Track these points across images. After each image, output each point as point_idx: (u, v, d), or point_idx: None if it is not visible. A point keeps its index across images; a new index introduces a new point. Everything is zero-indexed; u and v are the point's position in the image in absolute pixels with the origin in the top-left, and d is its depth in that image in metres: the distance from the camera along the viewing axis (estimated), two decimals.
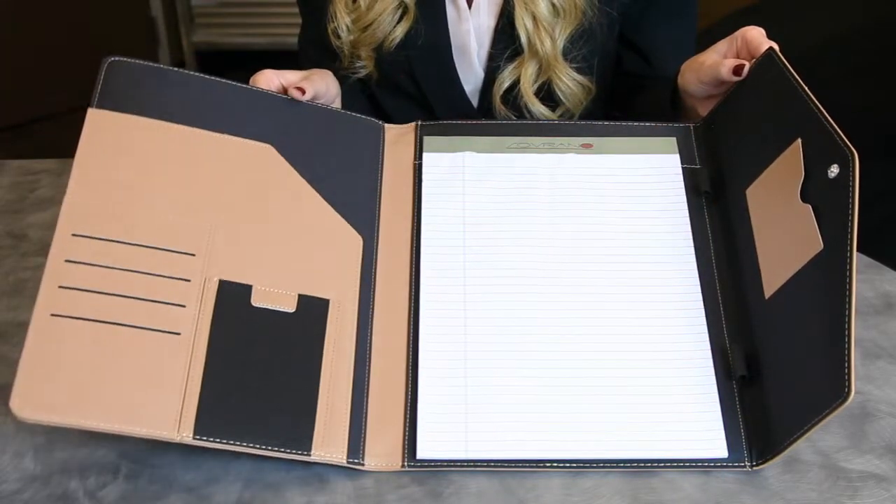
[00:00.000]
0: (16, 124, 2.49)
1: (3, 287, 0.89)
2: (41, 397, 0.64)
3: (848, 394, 0.62)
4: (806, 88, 0.75)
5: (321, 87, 0.87)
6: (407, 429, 0.71)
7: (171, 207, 0.74)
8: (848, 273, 0.64)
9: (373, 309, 0.77)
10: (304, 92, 0.83)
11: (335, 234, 0.79)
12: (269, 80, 0.84)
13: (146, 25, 2.62)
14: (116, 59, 0.78)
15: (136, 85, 0.78)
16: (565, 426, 0.71)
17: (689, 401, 0.72)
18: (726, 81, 0.84)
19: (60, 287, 0.67)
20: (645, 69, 1.04)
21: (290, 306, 0.73)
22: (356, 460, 0.70)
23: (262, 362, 0.70)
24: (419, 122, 0.88)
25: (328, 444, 0.69)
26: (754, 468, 0.70)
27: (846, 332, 0.63)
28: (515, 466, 0.70)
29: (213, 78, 0.81)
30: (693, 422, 0.71)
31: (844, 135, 0.68)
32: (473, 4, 0.99)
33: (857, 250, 0.65)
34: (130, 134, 0.75)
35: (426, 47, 0.99)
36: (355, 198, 0.81)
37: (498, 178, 0.84)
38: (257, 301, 0.73)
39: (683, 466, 0.70)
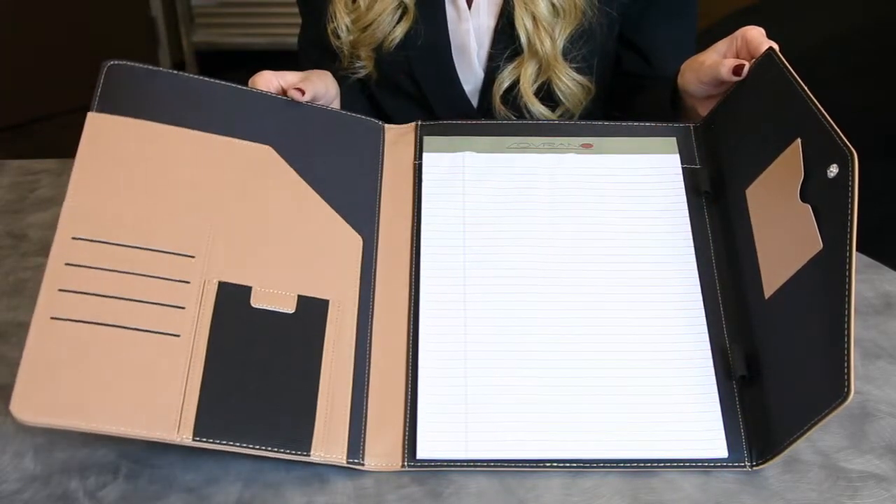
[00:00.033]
0: (16, 124, 2.49)
1: (3, 287, 0.89)
2: (41, 400, 0.64)
3: (847, 394, 0.62)
4: (805, 88, 0.75)
5: (320, 88, 0.87)
6: (407, 429, 0.71)
7: (171, 210, 0.74)
8: (847, 273, 0.64)
9: (373, 309, 0.77)
10: (303, 93, 0.83)
11: (335, 235, 0.79)
12: (268, 81, 0.84)
13: (146, 25, 2.62)
14: (116, 62, 0.78)
15: (136, 88, 0.78)
16: (565, 426, 0.71)
17: (689, 401, 0.72)
18: (726, 81, 0.84)
19: (60, 290, 0.68)
20: (645, 69, 1.04)
21: (289, 307, 0.73)
22: (356, 460, 0.70)
23: (261, 363, 0.70)
24: (419, 122, 0.88)
25: (328, 445, 0.69)
26: (754, 468, 0.70)
27: (846, 332, 0.63)
28: (515, 466, 0.70)
29: (212, 80, 0.81)
30: (693, 422, 0.71)
31: (844, 135, 0.68)
32: (473, 4, 0.99)
33: (857, 250, 0.65)
34: (130, 137, 0.76)
35: (426, 47, 0.99)
36: (355, 198, 0.82)
37: (498, 178, 0.84)
38: (257, 302, 0.73)
39: (683, 466, 0.70)
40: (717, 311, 0.77)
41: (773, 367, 0.71)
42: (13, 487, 0.69)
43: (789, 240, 0.71)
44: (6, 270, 0.91)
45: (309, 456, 0.68)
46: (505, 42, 0.99)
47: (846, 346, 0.63)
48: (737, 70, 0.83)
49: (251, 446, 0.67)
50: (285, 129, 0.81)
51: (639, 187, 0.83)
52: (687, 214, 0.82)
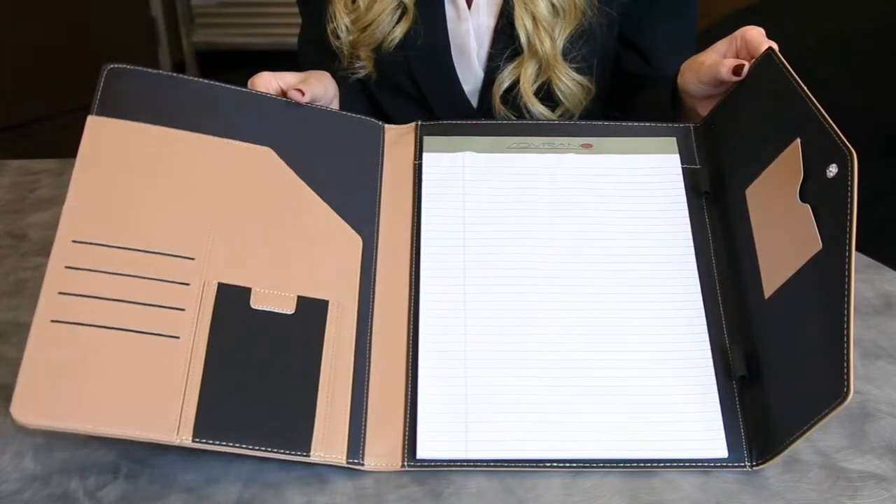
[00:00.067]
0: (16, 124, 2.49)
1: (3, 287, 0.89)
2: (42, 403, 0.64)
3: (847, 393, 0.62)
4: (805, 88, 0.75)
5: (319, 89, 0.87)
6: (407, 429, 0.71)
7: (171, 212, 0.74)
8: (847, 272, 0.64)
9: (372, 309, 0.77)
10: (303, 94, 0.83)
11: (335, 236, 0.79)
12: (267, 82, 0.84)
13: (146, 25, 2.62)
14: (116, 66, 0.79)
15: (136, 91, 0.78)
16: (565, 426, 0.71)
17: (689, 401, 0.72)
18: (726, 81, 0.84)
19: (60, 293, 0.68)
20: (645, 69, 1.04)
21: (289, 308, 0.73)
22: (356, 460, 0.70)
23: (261, 364, 0.70)
24: (419, 123, 0.88)
25: (328, 445, 0.69)
26: (754, 468, 0.70)
27: (845, 332, 0.63)
28: (515, 466, 0.70)
29: (211, 82, 0.82)
30: (693, 422, 0.71)
31: (844, 135, 0.68)
32: (473, 4, 0.99)
33: (857, 250, 0.65)
34: (130, 140, 0.76)
35: (425, 47, 0.99)
36: (355, 198, 0.82)
37: (498, 178, 0.84)
38: (256, 303, 0.73)
39: (683, 466, 0.70)
40: (717, 311, 0.77)
41: (773, 367, 0.71)
42: (13, 487, 0.69)
43: (789, 240, 0.71)
44: (6, 270, 0.91)
45: (308, 456, 0.68)
46: (505, 42, 0.99)
47: (846, 346, 0.63)
48: (736, 70, 0.83)
49: (251, 447, 0.67)
50: (285, 131, 0.81)
51: (639, 187, 0.83)
52: (687, 214, 0.82)
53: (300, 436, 0.69)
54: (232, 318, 0.71)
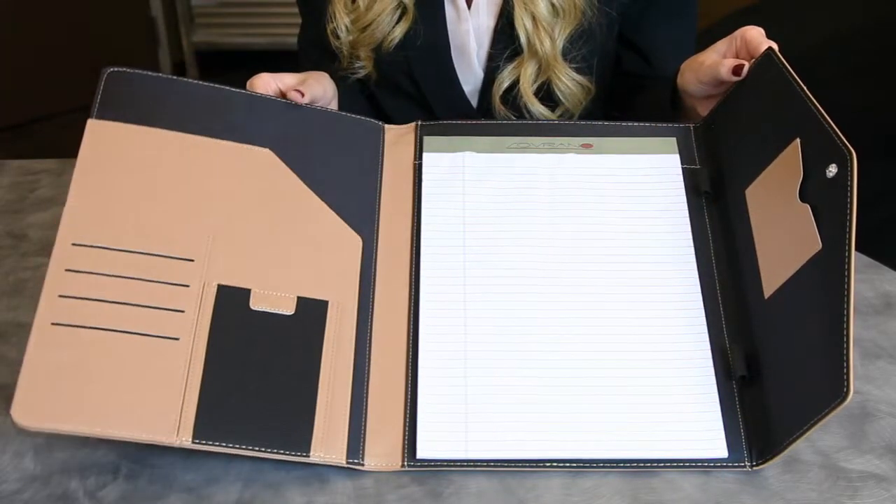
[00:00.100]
0: (16, 124, 2.49)
1: (3, 287, 0.89)
2: (43, 406, 0.65)
3: (847, 393, 0.62)
4: (805, 88, 0.75)
5: (318, 90, 0.87)
6: (407, 429, 0.71)
7: (170, 214, 0.74)
8: (847, 272, 0.64)
9: (372, 309, 0.77)
10: (303, 94, 0.83)
11: (334, 236, 0.79)
12: (266, 83, 0.84)
13: (146, 25, 2.62)
14: (115, 69, 0.79)
15: (135, 94, 0.79)
16: (565, 426, 0.71)
17: (689, 401, 0.72)
18: (726, 81, 0.84)
19: (60, 296, 0.68)
20: (645, 69, 1.04)
21: (288, 309, 0.73)
22: (356, 461, 0.70)
23: (260, 365, 0.70)
24: (419, 123, 0.88)
25: (327, 445, 0.69)
26: (754, 468, 0.70)
27: (845, 332, 0.63)
28: (515, 466, 0.70)
29: (210, 84, 0.82)
30: (693, 422, 0.71)
31: (844, 135, 0.68)
32: (473, 4, 0.99)
33: (857, 250, 0.65)
34: (130, 143, 0.76)
35: (425, 47, 0.99)
36: (355, 199, 0.82)
37: (498, 178, 0.84)
38: (256, 304, 0.73)
39: (683, 466, 0.70)
40: (717, 311, 0.77)
41: (772, 367, 0.71)
42: (13, 487, 0.69)
43: (789, 240, 0.71)
44: (6, 270, 0.91)
45: (308, 457, 0.68)
46: (504, 42, 0.99)
47: (846, 346, 0.63)
48: (736, 70, 0.83)
49: (250, 448, 0.67)
50: (284, 132, 0.82)
51: (639, 187, 0.83)
52: (687, 214, 0.82)
53: (300, 436, 0.69)
54: (232, 320, 0.71)
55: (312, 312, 0.74)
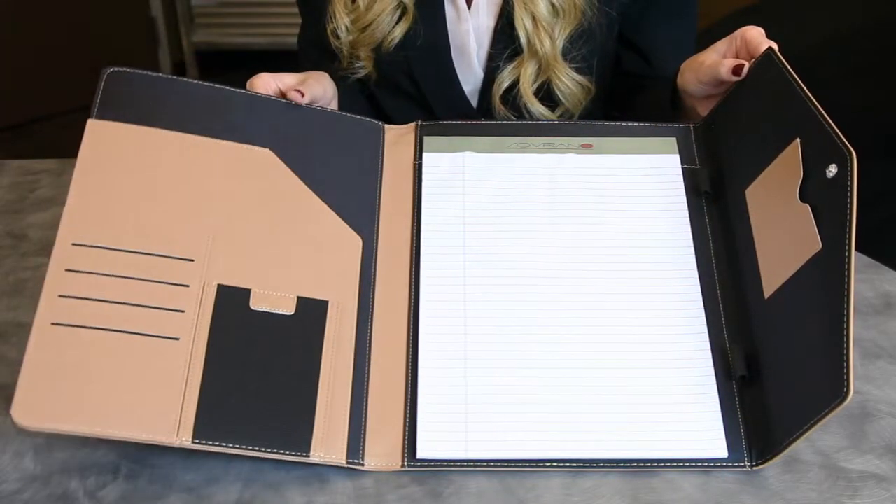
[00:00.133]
0: (16, 124, 2.49)
1: (3, 287, 0.89)
2: (42, 406, 0.65)
3: (847, 393, 0.62)
4: (805, 88, 0.75)
5: (318, 90, 0.87)
6: (407, 429, 0.71)
7: (170, 214, 0.74)
8: (847, 272, 0.64)
9: (372, 309, 0.77)
10: (303, 95, 0.83)
11: (334, 236, 0.79)
12: (266, 83, 0.84)
13: (146, 25, 2.62)
14: (115, 69, 0.79)
15: (135, 94, 0.79)
16: (565, 426, 0.71)
17: (689, 401, 0.72)
18: (726, 81, 0.84)
19: (60, 296, 0.68)
20: (645, 69, 1.04)
21: (288, 309, 0.73)
22: (356, 461, 0.70)
23: (260, 365, 0.70)
24: (419, 123, 0.88)
25: (327, 445, 0.69)
26: (754, 468, 0.70)
27: (845, 332, 0.63)
28: (515, 466, 0.70)
29: (210, 84, 0.82)
30: (693, 422, 0.71)
31: (844, 135, 0.68)
32: (473, 5, 0.99)
33: (857, 250, 0.65)
34: (130, 143, 0.76)
35: (425, 48, 0.99)
36: (355, 199, 0.82)
37: (498, 178, 0.84)
38: (256, 304, 0.73)
39: (683, 466, 0.70)
40: (717, 311, 0.77)
41: (772, 367, 0.71)
42: (13, 487, 0.69)
43: (789, 240, 0.71)
44: (6, 270, 0.91)
45: (308, 457, 0.68)
46: (504, 42, 0.99)
47: (846, 346, 0.63)
48: (736, 70, 0.83)
49: (250, 448, 0.67)
50: (284, 132, 0.82)
51: (639, 187, 0.83)
52: (687, 214, 0.82)
53: (300, 436, 0.69)
54: (231, 320, 0.71)
55: (312, 312, 0.74)
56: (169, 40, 2.67)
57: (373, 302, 0.77)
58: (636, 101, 1.04)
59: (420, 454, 0.70)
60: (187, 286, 0.72)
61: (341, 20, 0.98)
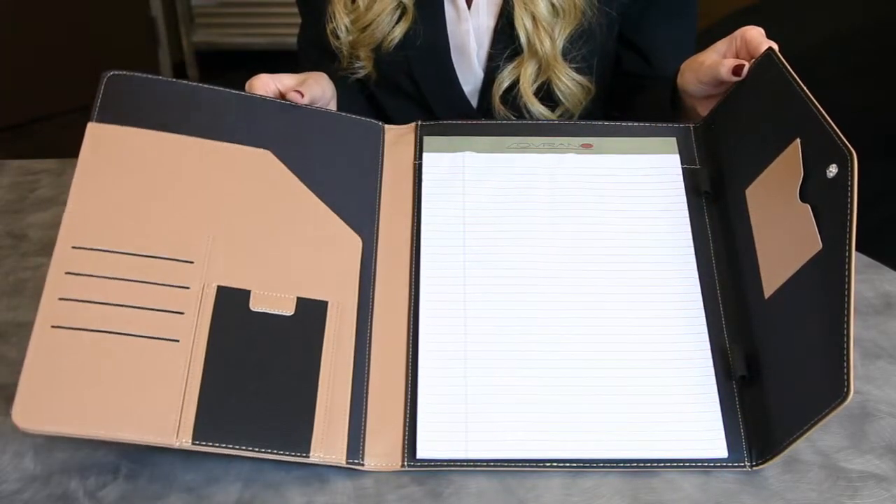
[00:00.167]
0: (16, 124, 2.49)
1: (3, 287, 0.89)
2: (43, 409, 0.65)
3: (847, 393, 0.62)
4: (805, 88, 0.75)
5: (317, 91, 0.87)
6: (407, 429, 0.71)
7: (170, 216, 0.74)
8: (847, 272, 0.64)
9: (372, 309, 0.77)
10: (303, 95, 0.83)
11: (334, 237, 0.79)
12: (265, 84, 0.84)
13: (146, 25, 2.62)
14: (115, 72, 0.79)
15: (135, 97, 0.79)
16: (565, 426, 0.71)
17: (689, 401, 0.72)
18: (726, 81, 0.84)
19: (60, 299, 0.68)
20: (645, 69, 1.04)
21: (288, 309, 0.73)
22: (356, 461, 0.70)
23: (260, 366, 0.70)
24: (419, 123, 0.88)
25: (327, 446, 0.69)
26: (754, 468, 0.70)
27: (845, 332, 0.63)
28: (515, 466, 0.70)
29: (210, 87, 0.82)
30: (693, 422, 0.71)
31: (844, 135, 0.68)
32: (473, 4, 0.99)
33: (857, 250, 0.65)
34: (130, 146, 0.76)
35: (425, 48, 0.99)
36: (355, 199, 0.82)
37: (498, 178, 0.84)
38: (256, 305, 0.73)
39: (683, 466, 0.70)
40: (717, 311, 0.77)
41: (773, 367, 0.71)
42: (13, 487, 0.69)
43: (789, 240, 0.71)
44: (6, 270, 0.91)
45: (308, 457, 0.68)
46: (504, 42, 0.99)
47: (846, 346, 0.63)
48: (736, 70, 0.83)
49: (250, 449, 0.67)
50: (284, 133, 0.82)
51: (639, 187, 0.83)
52: (687, 214, 0.82)
53: (300, 437, 0.69)
54: (231, 321, 0.71)
55: (312, 313, 0.74)
56: (169, 40, 2.67)
57: (373, 302, 0.77)
58: (636, 101, 1.04)
59: (420, 454, 0.70)
60: (187, 288, 0.72)
61: (341, 20, 0.98)
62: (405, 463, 0.70)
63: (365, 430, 0.71)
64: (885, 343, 0.82)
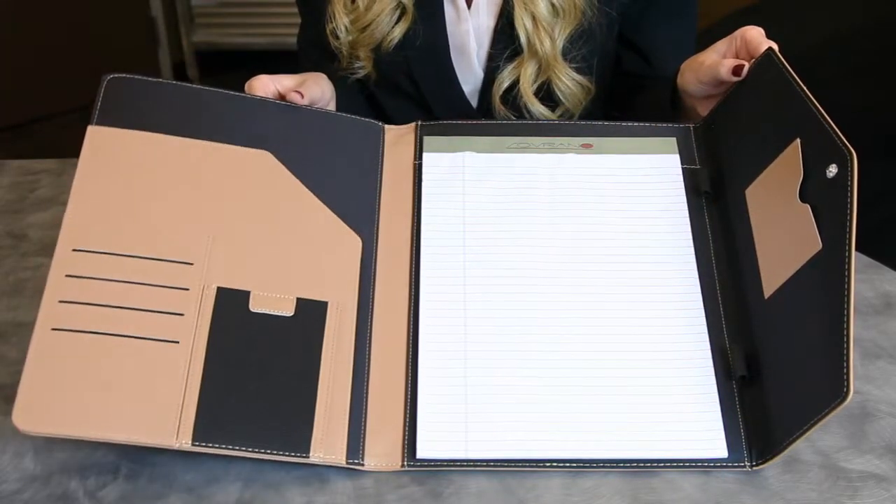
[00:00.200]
0: (16, 124, 2.49)
1: (3, 287, 0.89)
2: (44, 411, 0.65)
3: (847, 393, 0.62)
4: (805, 88, 0.75)
5: (316, 92, 0.87)
6: (407, 428, 0.71)
7: (170, 218, 0.74)
8: (847, 273, 0.64)
9: (372, 309, 0.77)
10: (303, 96, 0.83)
11: (334, 237, 0.79)
12: (264, 86, 0.85)
13: (146, 25, 2.62)
14: (115, 75, 0.79)
15: (135, 100, 0.79)
16: (565, 426, 0.71)
17: (689, 401, 0.72)
18: (725, 81, 0.84)
19: (61, 302, 0.68)
20: (645, 69, 1.04)
21: (288, 310, 0.73)
22: (356, 461, 0.70)
23: (260, 367, 0.70)
24: (419, 123, 0.88)
25: (327, 446, 0.69)
26: (754, 468, 0.70)
27: (845, 332, 0.63)
28: (515, 466, 0.70)
29: (210, 89, 0.82)
30: (693, 422, 0.71)
31: (844, 135, 0.68)
32: (473, 4, 0.99)
33: (857, 250, 0.65)
34: (130, 148, 0.76)
35: (424, 48, 0.99)
36: (355, 199, 0.82)
37: (498, 178, 0.84)
38: (255, 306, 0.73)
39: (683, 466, 0.70)
40: (717, 311, 0.77)
41: (772, 367, 0.71)
42: (13, 487, 0.69)
43: (789, 240, 0.71)
44: (6, 270, 0.91)
45: (308, 458, 0.68)
46: (504, 42, 0.99)
47: (846, 346, 0.63)
48: (736, 70, 0.83)
49: (250, 450, 0.67)
50: (284, 134, 0.82)
51: (639, 187, 0.83)
52: (687, 214, 0.82)
53: (299, 437, 0.69)
54: (231, 322, 0.71)
55: (312, 313, 0.74)
56: (169, 40, 2.67)
57: (373, 302, 0.77)
58: (636, 101, 1.04)
59: (420, 454, 0.70)
60: (187, 289, 0.72)
61: (341, 20, 0.98)
62: (405, 463, 0.70)
63: (365, 430, 0.71)
64: (885, 343, 0.82)
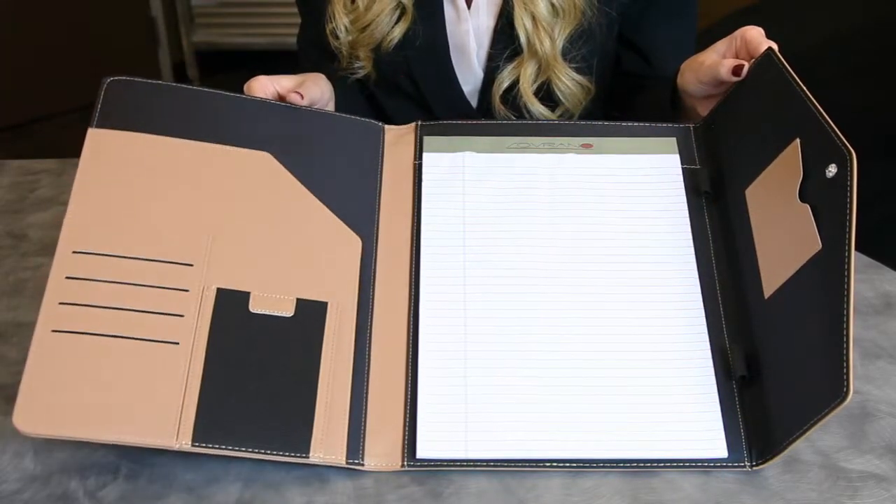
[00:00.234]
0: (16, 124, 2.49)
1: (3, 287, 0.89)
2: (44, 413, 0.65)
3: (847, 393, 0.62)
4: (804, 88, 0.75)
5: (315, 93, 0.87)
6: (407, 428, 0.71)
7: (170, 220, 0.74)
8: (846, 272, 0.64)
9: (372, 309, 0.77)
10: (302, 96, 0.84)
11: (334, 237, 0.79)
12: (264, 86, 0.85)
13: (146, 25, 2.62)
14: (115, 78, 0.80)
15: (135, 102, 0.79)
16: (565, 426, 0.71)
17: (689, 401, 0.72)
18: (725, 81, 0.84)
19: (61, 303, 0.69)
20: (645, 69, 1.04)
21: (288, 311, 0.73)
22: (356, 461, 0.70)
23: (260, 367, 0.70)
24: (419, 123, 0.88)
25: (327, 446, 0.69)
26: (754, 468, 0.70)
27: (845, 332, 0.63)
28: (515, 466, 0.70)
29: (209, 90, 0.82)
30: (693, 422, 0.71)
31: (844, 135, 0.68)
32: (472, 4, 0.99)
33: (857, 250, 0.65)
34: (130, 151, 0.77)
35: (424, 48, 0.99)
36: (355, 200, 0.82)
37: (498, 178, 0.84)
38: (255, 307, 0.73)
39: (683, 466, 0.70)
40: (717, 311, 0.77)
41: (772, 367, 0.71)
42: (13, 487, 0.69)
43: (789, 240, 0.71)
44: (6, 270, 0.91)
45: (308, 458, 0.68)
46: (504, 42, 0.99)
47: (846, 346, 0.63)
48: (736, 70, 0.83)
49: (250, 450, 0.67)
50: (284, 135, 0.82)
51: (639, 187, 0.83)
52: (687, 214, 0.82)
53: (299, 437, 0.69)
54: (231, 323, 0.71)
55: (312, 314, 0.74)
56: (169, 40, 2.67)
57: (372, 302, 0.77)
58: (636, 101, 1.04)
59: (420, 454, 0.70)
60: (187, 290, 0.72)
61: (340, 20, 0.99)
62: (405, 463, 0.70)
63: (365, 430, 0.71)
64: (885, 343, 0.82)
